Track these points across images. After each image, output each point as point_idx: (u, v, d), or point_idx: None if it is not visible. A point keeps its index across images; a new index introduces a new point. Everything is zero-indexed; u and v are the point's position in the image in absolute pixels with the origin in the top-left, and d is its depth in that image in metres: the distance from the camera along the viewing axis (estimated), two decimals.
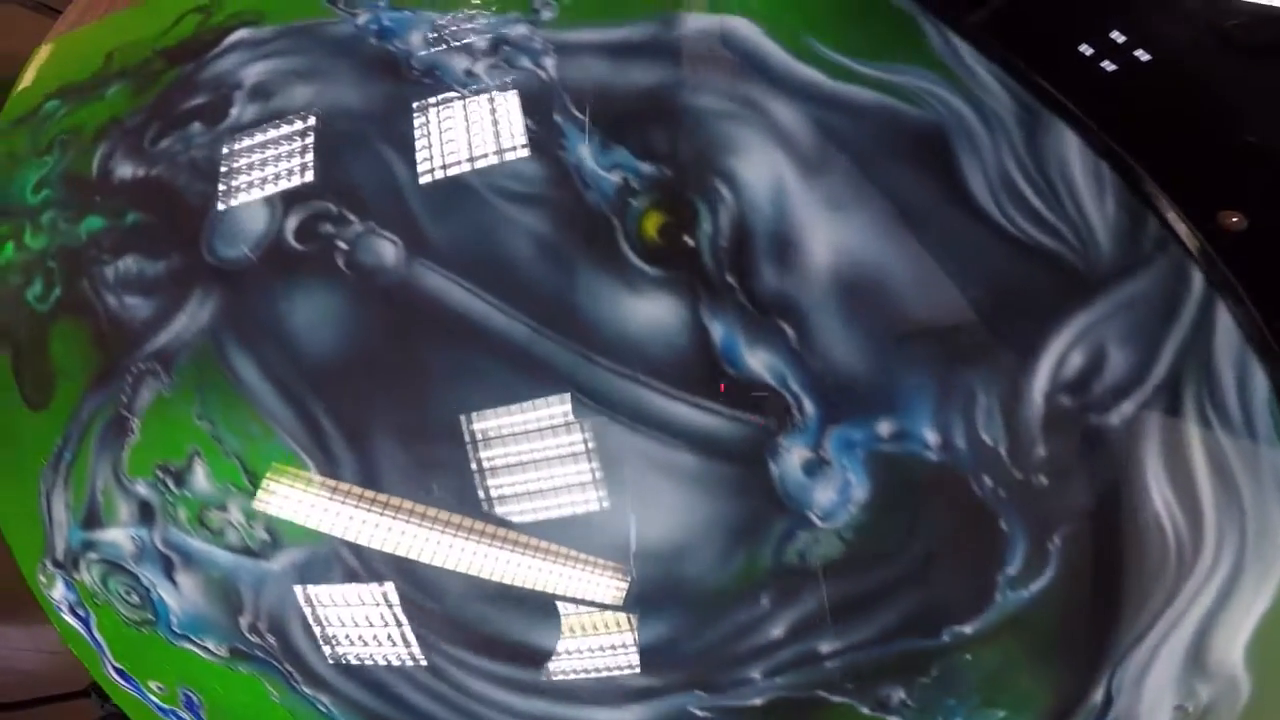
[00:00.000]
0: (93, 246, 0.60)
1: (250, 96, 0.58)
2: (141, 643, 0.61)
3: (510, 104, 0.53)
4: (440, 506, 0.46)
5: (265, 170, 0.54)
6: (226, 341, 0.51)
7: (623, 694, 0.46)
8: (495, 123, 0.54)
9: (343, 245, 0.49)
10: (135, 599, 0.59)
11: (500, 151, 0.52)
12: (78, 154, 0.64)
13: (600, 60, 0.50)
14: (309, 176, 0.52)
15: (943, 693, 0.43)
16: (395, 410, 0.47)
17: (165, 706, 0.65)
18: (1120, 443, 0.42)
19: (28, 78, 0.78)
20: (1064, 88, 0.48)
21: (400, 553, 0.47)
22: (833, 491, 0.42)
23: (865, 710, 0.44)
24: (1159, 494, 0.42)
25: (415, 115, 0.56)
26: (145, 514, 0.55)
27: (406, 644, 0.49)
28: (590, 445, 0.43)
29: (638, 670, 0.45)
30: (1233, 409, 0.42)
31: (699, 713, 0.45)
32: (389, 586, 0.48)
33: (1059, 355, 0.43)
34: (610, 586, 0.45)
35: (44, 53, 0.79)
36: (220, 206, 0.54)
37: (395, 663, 0.50)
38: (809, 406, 0.42)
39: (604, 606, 0.44)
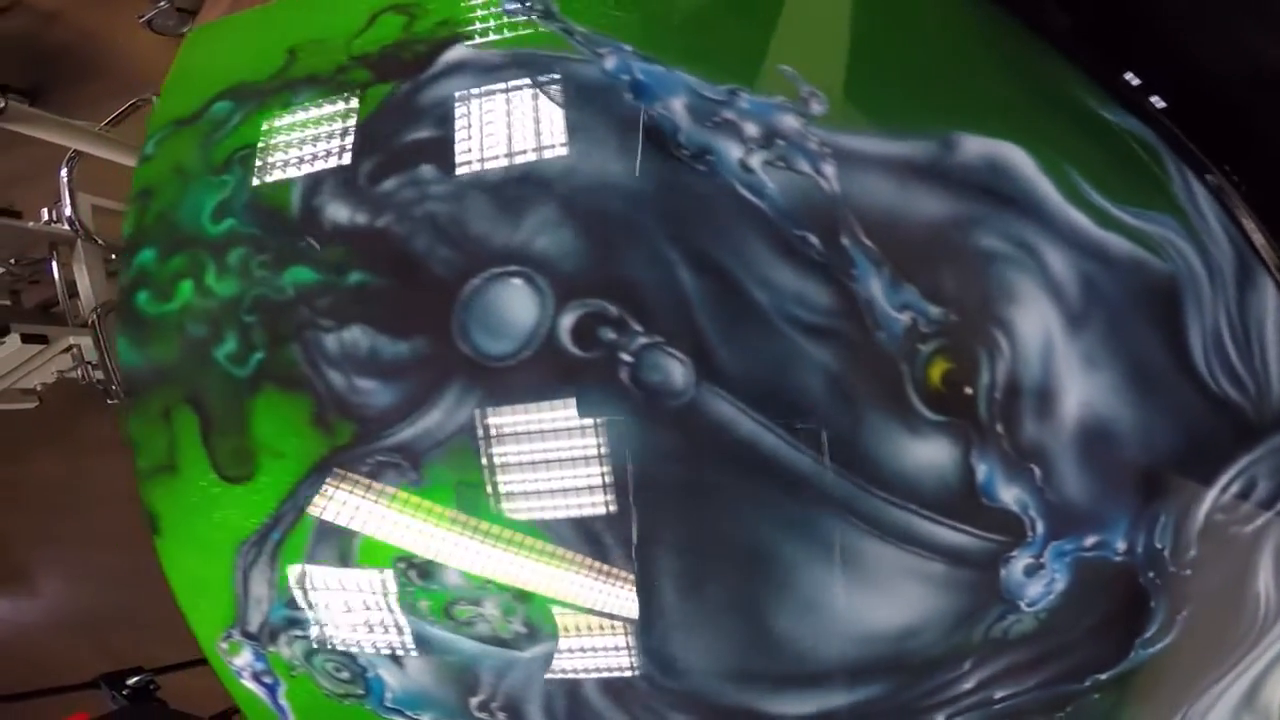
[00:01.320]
0: (303, 305, 0.55)
1: (492, 143, 0.52)
2: (338, 712, 0.63)
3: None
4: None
5: (528, 249, 0.51)
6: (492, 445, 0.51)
7: None
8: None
9: (627, 358, 0.50)
10: (345, 675, 0.61)
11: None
12: (269, 179, 0.57)
13: (883, 179, 0.51)
14: (581, 265, 0.51)
15: None
16: (673, 528, 0.52)
17: None
18: (1247, 543, 0.56)
19: (183, 65, 0.65)
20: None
21: (659, 647, 0.53)
22: (1041, 586, 0.54)
23: None
24: (1264, 577, 0.57)
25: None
26: None
27: (640, 715, 0.55)
28: (858, 557, 0.52)
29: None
30: None
31: None
32: (637, 670, 0.54)
33: (1223, 486, 0.55)
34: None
35: (197, 38, 0.66)
36: (475, 283, 0.51)
37: None
38: (1040, 527, 0.52)
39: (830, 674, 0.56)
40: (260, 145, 0.59)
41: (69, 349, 1.62)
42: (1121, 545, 0.54)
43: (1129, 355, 0.52)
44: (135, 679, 1.50)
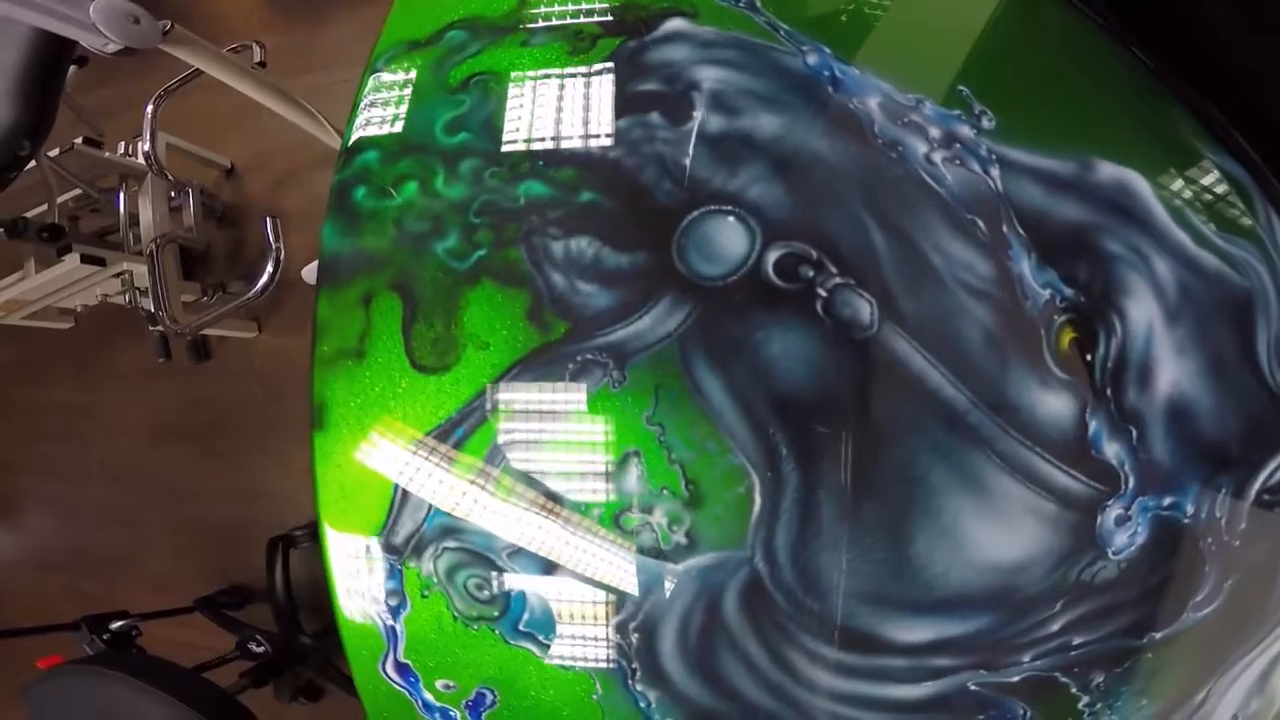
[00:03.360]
0: (533, 213, 0.62)
1: (711, 104, 0.63)
2: (462, 638, 0.61)
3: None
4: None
5: (742, 194, 0.61)
6: (694, 354, 0.59)
7: (926, 673, 0.63)
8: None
9: (822, 293, 0.61)
10: (485, 594, 0.60)
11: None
12: (504, 103, 0.65)
13: (1037, 186, 0.65)
14: (788, 214, 0.61)
15: (1122, 682, 0.68)
16: (841, 450, 0.60)
17: (436, 705, 0.64)
18: None
19: None
20: None
21: (809, 564, 0.59)
22: (1125, 536, 0.66)
23: (1074, 689, 0.67)
24: None
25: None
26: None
27: (769, 635, 0.60)
28: (991, 488, 0.63)
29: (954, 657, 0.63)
30: None
31: (972, 687, 0.65)
32: (783, 589, 0.59)
33: (1273, 469, 0.69)
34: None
35: None
36: (694, 215, 0.61)
37: (749, 650, 0.60)
38: (1132, 482, 0.65)
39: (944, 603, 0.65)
40: (496, 74, 0.67)
41: (120, 274, 1.66)
42: (1190, 509, 0.67)
43: (1209, 349, 0.66)
44: (118, 624, 1.46)
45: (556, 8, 0.71)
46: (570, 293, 0.61)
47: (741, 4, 0.71)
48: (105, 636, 1.44)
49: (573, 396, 0.61)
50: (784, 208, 0.63)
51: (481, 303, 0.62)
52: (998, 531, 0.64)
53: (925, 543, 0.62)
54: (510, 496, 0.60)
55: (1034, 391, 0.62)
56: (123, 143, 1.81)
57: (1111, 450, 0.64)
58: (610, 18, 0.69)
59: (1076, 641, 0.67)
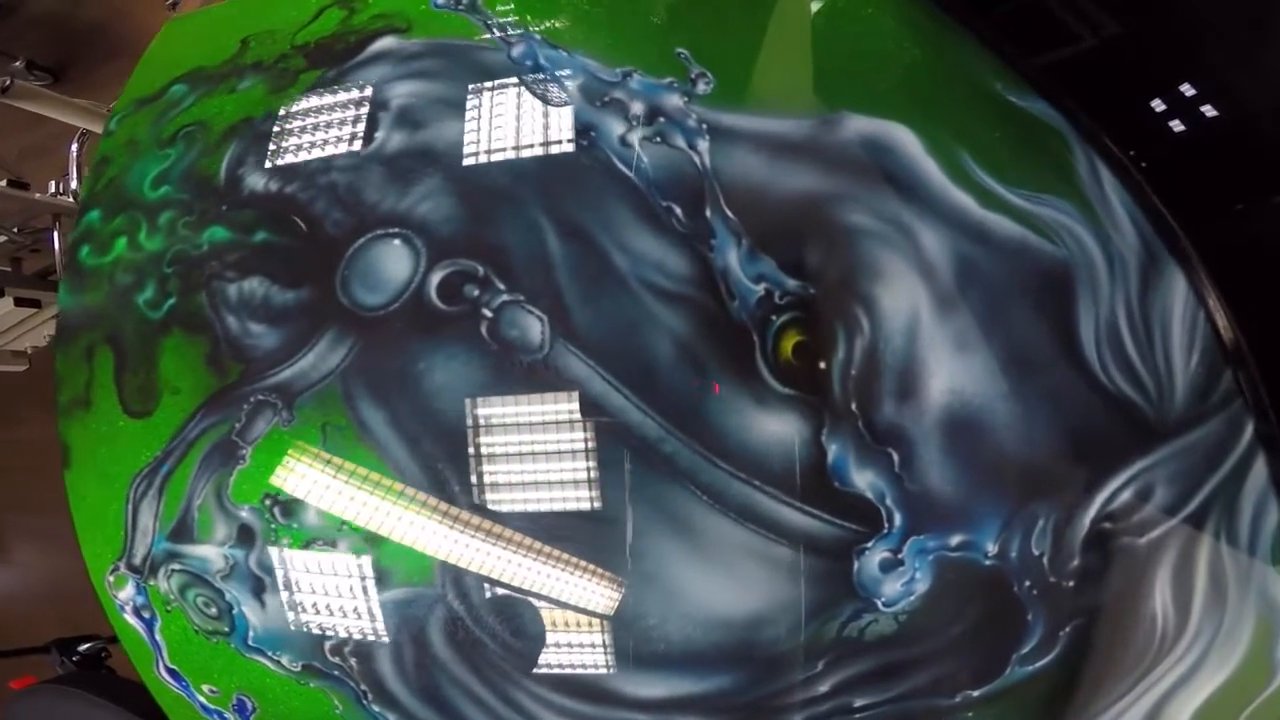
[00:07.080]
0: (214, 259, 0.60)
1: (396, 122, 0.57)
2: (206, 650, 0.65)
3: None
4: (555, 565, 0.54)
5: (411, 214, 0.55)
6: (356, 389, 0.55)
7: None
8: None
9: (487, 313, 0.52)
10: (213, 611, 0.63)
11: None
12: (204, 152, 0.63)
13: (756, 155, 0.51)
14: (457, 229, 0.54)
15: None
16: (521, 485, 0.53)
17: (211, 707, 0.68)
18: (1141, 558, 0.52)
19: (153, 52, 0.73)
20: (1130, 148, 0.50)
21: (500, 594, 0.54)
22: (899, 584, 0.52)
23: None
24: (1160, 596, 0.53)
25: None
26: (244, 537, 0.59)
27: (490, 676, 0.56)
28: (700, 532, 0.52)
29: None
30: (1242, 535, 0.51)
31: None
32: (486, 629, 0.55)
33: (1112, 491, 0.51)
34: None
35: (171, 30, 0.74)
36: (359, 243, 0.56)
37: (475, 689, 0.57)
38: (898, 519, 0.51)
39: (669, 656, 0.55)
40: (202, 121, 0.65)
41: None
42: (991, 548, 0.52)
43: (1007, 340, 0.49)
44: (87, 646, 1.56)
45: (272, 47, 0.67)
46: (243, 335, 0.59)
47: (460, 6, 0.63)
48: (74, 658, 1.54)
49: (254, 434, 0.59)
50: (453, 222, 0.54)
51: (173, 350, 0.62)
52: (717, 580, 0.52)
53: (631, 591, 0.53)
54: (210, 527, 0.61)
55: (744, 411, 0.50)
56: (53, 182, 1.73)
57: (864, 480, 0.50)
58: (318, 50, 0.65)
59: (859, 703, 0.55)
